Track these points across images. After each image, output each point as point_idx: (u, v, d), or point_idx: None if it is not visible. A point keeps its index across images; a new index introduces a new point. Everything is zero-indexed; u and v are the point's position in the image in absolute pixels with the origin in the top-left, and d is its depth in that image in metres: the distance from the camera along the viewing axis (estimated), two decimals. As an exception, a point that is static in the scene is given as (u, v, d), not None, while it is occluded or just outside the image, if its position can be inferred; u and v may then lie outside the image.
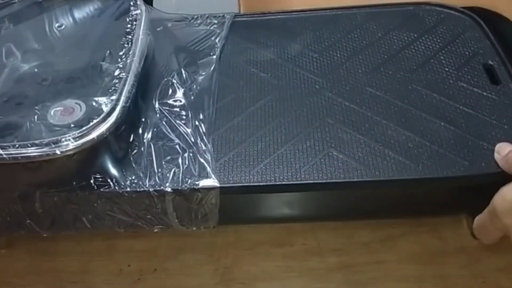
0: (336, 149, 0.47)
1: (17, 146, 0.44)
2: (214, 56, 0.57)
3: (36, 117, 0.48)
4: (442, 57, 0.54)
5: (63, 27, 0.57)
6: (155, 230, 0.49)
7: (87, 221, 0.48)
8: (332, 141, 0.48)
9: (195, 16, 0.63)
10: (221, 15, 0.63)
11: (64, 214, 0.48)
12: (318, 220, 0.53)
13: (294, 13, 0.63)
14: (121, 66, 0.50)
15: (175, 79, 0.55)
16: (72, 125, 0.46)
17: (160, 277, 0.53)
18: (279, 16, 0.63)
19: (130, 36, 0.54)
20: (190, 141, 0.48)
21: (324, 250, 0.53)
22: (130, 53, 0.52)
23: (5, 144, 0.44)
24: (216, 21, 0.62)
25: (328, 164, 0.46)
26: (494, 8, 0.60)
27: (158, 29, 0.60)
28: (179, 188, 0.45)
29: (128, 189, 0.46)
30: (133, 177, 0.46)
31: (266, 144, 0.48)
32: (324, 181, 0.45)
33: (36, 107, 0.49)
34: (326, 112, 0.50)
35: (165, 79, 0.54)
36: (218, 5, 0.65)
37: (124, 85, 0.49)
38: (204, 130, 0.49)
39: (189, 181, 0.46)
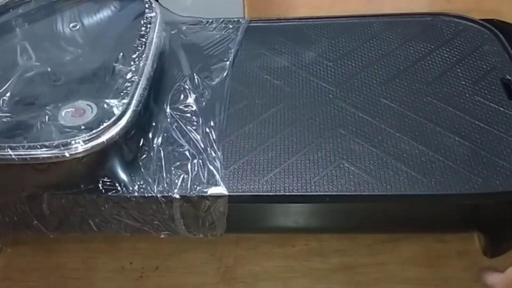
0: (348, 161, 0.46)
1: (26, 147, 0.44)
2: (228, 62, 0.57)
3: (47, 117, 0.48)
4: (459, 70, 0.54)
5: (77, 27, 0.57)
6: (161, 236, 0.48)
7: (93, 224, 0.48)
8: (344, 152, 0.47)
9: (210, 20, 0.62)
10: (235, 19, 0.62)
11: (71, 216, 0.48)
12: (325, 232, 0.53)
13: (309, 20, 0.62)
14: (133, 69, 0.50)
15: (187, 84, 0.54)
16: (82, 127, 0.46)
17: (162, 275, 0.53)
18: (294, 23, 0.62)
19: (144, 39, 0.53)
20: (200, 148, 0.48)
21: (326, 251, 0.53)
22: (143, 56, 0.51)
23: (14, 145, 0.44)
24: (231, 26, 0.61)
25: (339, 176, 0.45)
26: (497, 13, 0.59)
27: (173, 32, 0.59)
28: (187, 195, 0.45)
29: (136, 194, 0.46)
30: (142, 182, 0.46)
31: (277, 153, 0.47)
32: (334, 193, 0.44)
33: (48, 108, 0.48)
34: (338, 122, 0.50)
35: (178, 84, 0.54)
36: (222, 9, 0.64)
37: (136, 88, 0.48)
38: (214, 137, 0.49)
39: (198, 188, 0.46)
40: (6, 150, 0.44)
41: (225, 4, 0.64)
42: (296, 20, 0.62)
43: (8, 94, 0.51)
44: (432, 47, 0.56)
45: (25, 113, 0.49)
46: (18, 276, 0.54)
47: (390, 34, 0.59)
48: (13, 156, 0.44)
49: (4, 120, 0.48)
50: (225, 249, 0.53)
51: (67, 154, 0.44)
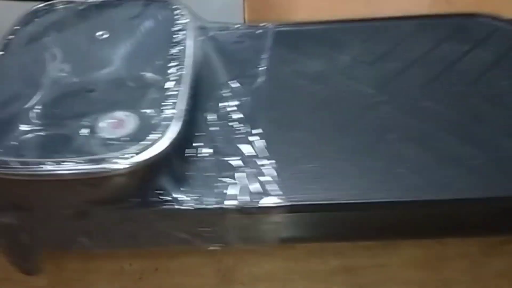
0: (403, 166, 0.46)
1: (72, 162, 0.42)
2: (262, 68, 0.56)
3: (86, 129, 0.46)
4: (497, 71, 0.53)
5: (107, 35, 0.55)
6: (211, 248, 0.47)
7: (142, 238, 0.47)
8: (397, 157, 0.47)
9: (237, 25, 0.61)
10: (262, 24, 0.61)
11: (119, 232, 0.46)
12: (381, 240, 0.52)
13: (338, 23, 0.61)
14: (173, 77, 0.49)
15: (225, 91, 0.53)
16: (126, 139, 0.45)
17: (162, 277, 0.52)
18: (323, 26, 0.61)
19: (180, 46, 0.52)
20: (249, 157, 0.47)
21: (326, 253, 0.53)
22: (182, 64, 0.50)
23: (58, 160, 0.42)
24: (258, 31, 0.60)
25: (395, 182, 0.45)
26: (498, 12, 0.60)
27: (201, 38, 0.58)
28: (242, 206, 0.44)
29: (187, 206, 0.44)
30: (193, 194, 0.45)
31: (328, 160, 0.47)
32: (393, 200, 0.43)
33: (85, 119, 0.47)
34: (386, 126, 0.49)
35: (216, 91, 0.53)
36: (221, 10, 0.63)
37: (179, 97, 0.47)
38: (263, 145, 0.48)
39: (250, 198, 0.44)
40: (50, 165, 0.42)
41: (224, 6, 0.63)
42: (325, 24, 0.62)
43: (40, 106, 0.49)
44: (467, 48, 0.56)
45: (63, 126, 0.47)
46: (17, 277, 0.52)
47: (422, 36, 0.59)
48: (59, 172, 0.42)
49: (41, 133, 0.47)
50: (225, 251, 0.53)
51: (116, 168, 0.42)
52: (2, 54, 0.53)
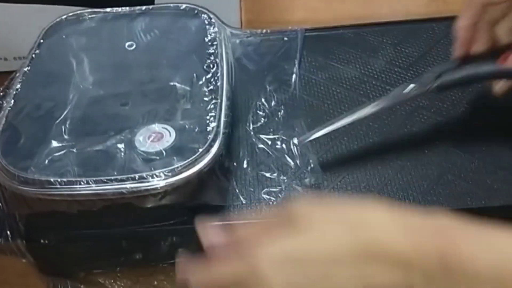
0: (453, 174, 0.44)
1: (113, 180, 0.41)
2: (294, 75, 0.55)
3: (123, 144, 0.45)
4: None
5: (137, 46, 0.54)
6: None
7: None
8: (446, 164, 0.45)
9: (263, 32, 0.60)
10: (290, 29, 0.60)
11: (163, 249, 0.45)
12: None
13: (368, 26, 0.60)
14: (211, 89, 0.48)
15: (261, 101, 0.52)
16: (167, 153, 0.43)
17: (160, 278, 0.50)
18: (352, 30, 0.60)
19: (214, 57, 0.50)
20: (294, 168, 0.46)
21: None
22: (218, 75, 0.49)
23: (103, 179, 0.41)
24: (286, 37, 0.59)
25: (448, 190, 0.44)
26: None
27: (232, 46, 0.57)
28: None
29: (235, 220, 0.43)
30: (239, 208, 0.44)
31: (376, 169, 0.46)
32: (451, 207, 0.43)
33: (122, 134, 0.45)
34: (430, 132, 0.48)
35: (253, 101, 0.52)
36: (218, 11, 0.61)
37: (220, 110, 0.46)
38: (307, 156, 0.46)
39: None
40: (94, 185, 0.41)
41: (221, 7, 0.61)
42: (354, 28, 0.61)
43: (73, 121, 0.48)
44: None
45: (100, 142, 0.45)
46: (15, 280, 0.52)
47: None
48: (104, 191, 0.41)
49: (75, 150, 0.45)
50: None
51: (161, 184, 0.41)
52: (29, 69, 0.51)
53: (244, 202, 0.44)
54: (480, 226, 0.28)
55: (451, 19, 0.58)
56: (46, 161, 0.45)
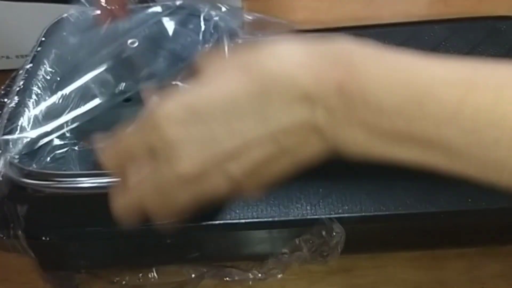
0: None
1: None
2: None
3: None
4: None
5: (140, 44, 0.54)
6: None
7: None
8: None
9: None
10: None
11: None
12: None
13: (368, 28, 0.60)
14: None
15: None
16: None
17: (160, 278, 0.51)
18: (353, 32, 0.60)
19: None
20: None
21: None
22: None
23: (105, 172, 0.41)
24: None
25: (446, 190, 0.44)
26: (494, 13, 0.60)
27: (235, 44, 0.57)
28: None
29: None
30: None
31: (370, 171, 0.45)
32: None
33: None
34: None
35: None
36: None
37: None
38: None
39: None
40: (98, 179, 0.41)
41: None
42: (356, 29, 0.61)
43: (71, 118, 0.48)
44: (504, 51, 0.56)
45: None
46: (16, 278, 0.52)
47: (456, 40, 0.58)
48: (107, 185, 0.40)
49: (79, 147, 0.45)
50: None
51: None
52: (32, 67, 0.51)
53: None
54: (384, 50, 0.26)
55: (452, 21, 0.59)
56: (49, 157, 0.45)
